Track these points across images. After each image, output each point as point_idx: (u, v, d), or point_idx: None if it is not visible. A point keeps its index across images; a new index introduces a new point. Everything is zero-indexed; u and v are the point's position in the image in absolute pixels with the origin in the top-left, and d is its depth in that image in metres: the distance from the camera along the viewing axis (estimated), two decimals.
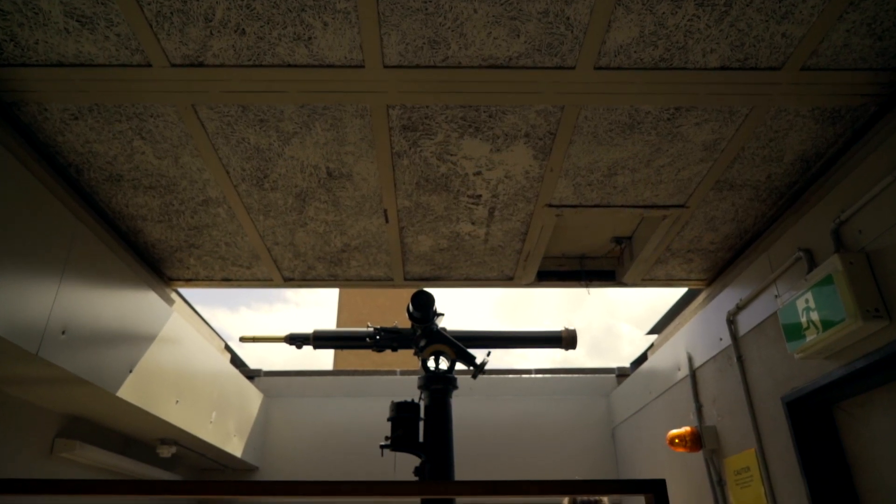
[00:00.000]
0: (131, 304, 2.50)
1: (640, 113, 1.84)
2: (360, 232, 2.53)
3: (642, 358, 4.67)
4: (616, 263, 3.00)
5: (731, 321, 2.72)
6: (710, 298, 2.97)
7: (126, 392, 2.43)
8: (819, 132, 1.95)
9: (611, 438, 4.55)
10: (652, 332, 4.71)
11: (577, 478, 3.78)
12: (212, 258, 2.76)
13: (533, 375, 4.90)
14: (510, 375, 4.87)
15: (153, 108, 1.79)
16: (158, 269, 2.87)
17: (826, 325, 1.90)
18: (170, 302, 2.91)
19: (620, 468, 4.36)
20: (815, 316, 1.97)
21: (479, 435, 4.36)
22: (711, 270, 2.95)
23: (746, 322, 2.60)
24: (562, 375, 4.89)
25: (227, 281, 2.97)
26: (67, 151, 1.98)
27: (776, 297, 2.34)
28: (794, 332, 2.10)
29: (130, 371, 2.49)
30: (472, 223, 2.48)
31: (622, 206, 2.34)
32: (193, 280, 2.95)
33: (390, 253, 2.70)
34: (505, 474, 4.25)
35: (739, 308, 2.65)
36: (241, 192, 2.23)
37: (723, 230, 2.57)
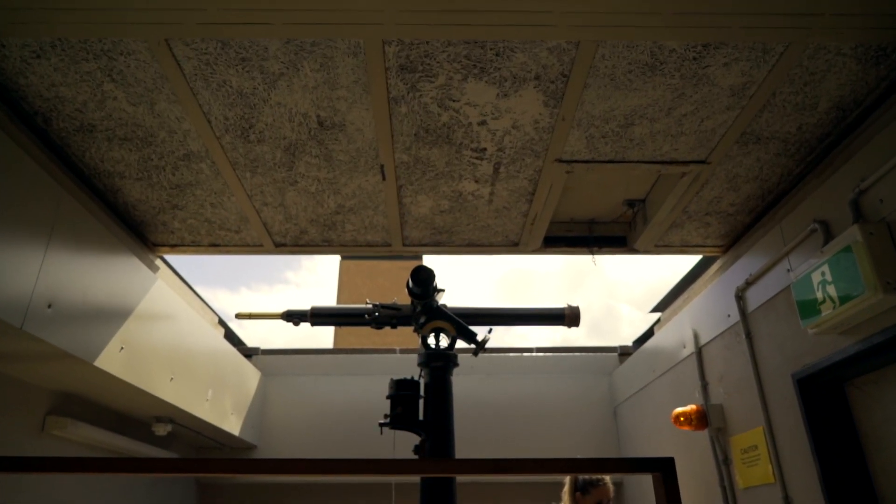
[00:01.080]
0: (118, 275, 2.39)
1: (663, 51, 1.66)
2: (355, 191, 2.36)
3: (645, 336, 4.59)
4: (627, 229, 2.84)
5: (740, 297, 2.63)
6: (723, 269, 2.85)
7: (117, 368, 2.35)
8: (860, 75, 1.77)
9: (612, 417, 4.49)
10: (655, 310, 4.62)
11: (578, 457, 3.72)
12: (197, 221, 2.59)
13: (534, 354, 4.84)
14: (511, 354, 4.81)
15: (123, 44, 1.61)
16: (141, 233, 2.71)
17: (843, 298, 1.82)
18: (154, 269, 2.79)
19: (622, 447, 4.31)
20: (831, 289, 1.89)
21: (478, 414, 4.29)
22: (729, 236, 2.79)
23: (756, 298, 2.52)
24: (563, 354, 4.83)
25: (215, 247, 2.79)
26: (32, 97, 1.81)
27: (788, 271, 2.27)
28: (809, 306, 2.02)
29: (122, 348, 2.39)
30: (476, 181, 2.30)
31: (638, 161, 2.17)
32: (179, 246, 2.79)
33: (388, 215, 2.53)
34: (505, 453, 4.20)
35: (749, 283, 2.56)
36: (225, 145, 2.06)
37: (745, 190, 2.39)
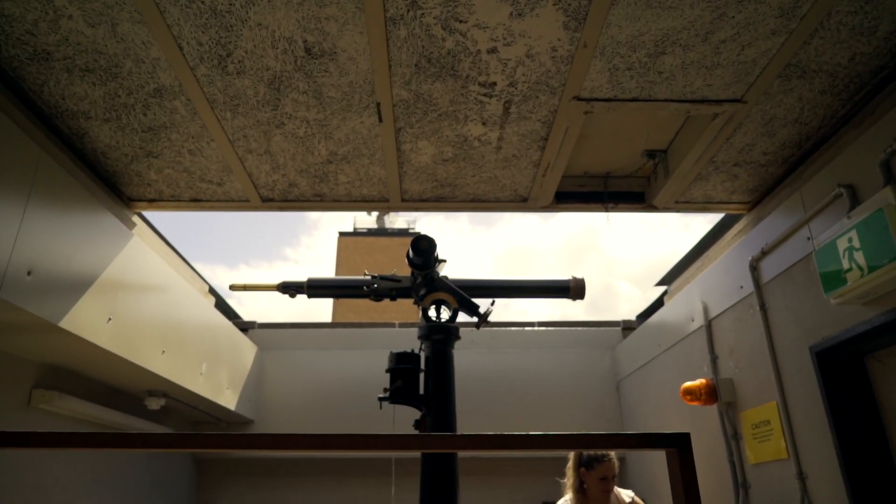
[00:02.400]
0: (103, 239, 2.23)
1: None
2: (348, 135, 2.14)
3: (650, 311, 4.52)
4: (645, 184, 2.64)
5: (755, 267, 2.53)
6: (744, 232, 2.66)
7: (105, 340, 2.26)
8: None
9: (615, 392, 4.44)
10: (661, 283, 4.53)
11: (585, 432, 3.66)
12: (175, 171, 2.37)
13: (536, 328, 4.78)
14: (512, 328, 4.75)
15: None
16: (115, 187, 2.49)
17: (872, 266, 1.73)
18: (130, 226, 2.58)
19: (625, 422, 4.28)
20: (858, 257, 1.80)
21: (479, 388, 4.24)
22: (756, 191, 2.59)
23: (772, 268, 2.42)
24: (565, 328, 4.77)
25: (197, 202, 2.58)
26: None
27: (808, 239, 2.15)
28: (833, 275, 1.93)
29: (110, 318, 2.30)
30: (483, 123, 2.08)
31: (666, 100, 1.96)
32: (158, 201, 2.57)
33: (385, 164, 2.31)
34: (505, 428, 4.13)
35: (765, 253, 2.46)
36: (201, 78, 1.83)
37: (781, 135, 2.19)
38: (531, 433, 1.02)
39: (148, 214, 2.83)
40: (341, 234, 25.59)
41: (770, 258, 2.44)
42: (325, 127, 2.09)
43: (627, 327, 4.69)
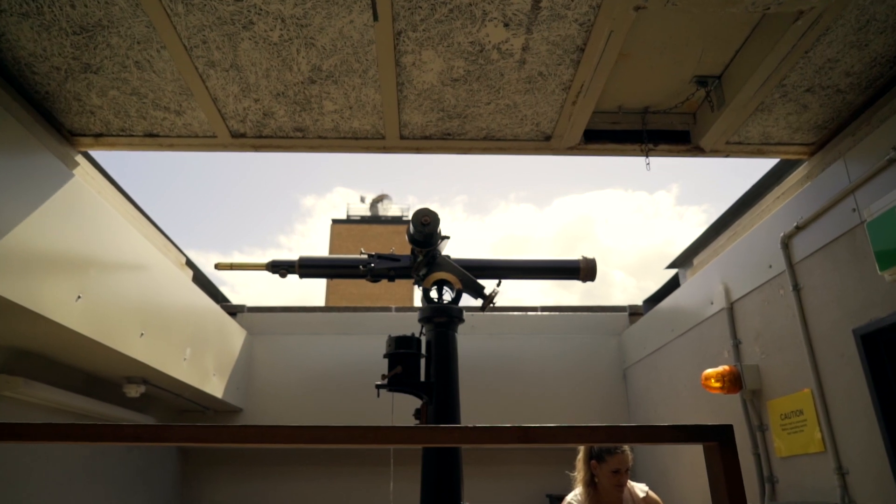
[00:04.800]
0: (44, 188, 1.92)
1: None
2: (335, 41, 1.75)
3: (659, 295, 4.34)
4: (691, 121, 2.29)
5: (786, 245, 2.33)
6: (811, 175, 2.35)
7: (75, 321, 2.04)
8: None
9: (622, 380, 4.27)
10: (672, 266, 4.35)
11: (586, 422, 3.51)
12: (122, 94, 1.96)
13: (539, 313, 4.59)
14: (515, 313, 4.57)
15: None
16: (52, 117, 2.09)
17: None
18: (72, 164, 2.22)
19: (632, 412, 4.12)
20: None
21: (478, 376, 4.05)
22: (825, 129, 2.25)
23: (807, 244, 2.23)
24: (569, 313, 4.59)
25: (154, 137, 2.18)
26: None
27: (853, 210, 1.95)
28: (890, 249, 1.72)
29: (79, 296, 2.06)
30: (506, 24, 1.70)
31: None
32: (105, 136, 2.17)
33: (381, 85, 1.91)
34: (506, 418, 3.98)
35: (799, 228, 2.25)
36: None
37: (874, 47, 1.82)
38: (553, 426, 0.96)
39: (107, 165, 2.55)
40: (334, 221, 25.36)
41: (805, 234, 2.24)
42: (306, 28, 1.70)
43: (634, 313, 4.54)
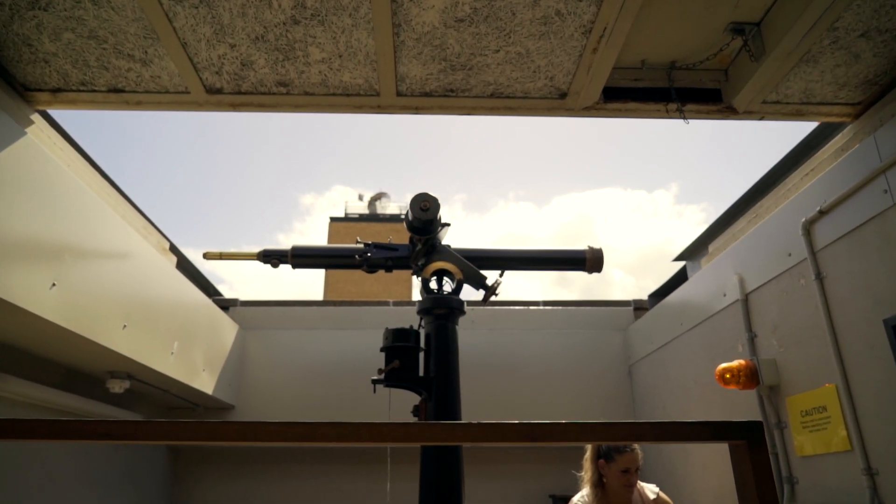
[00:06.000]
0: (22, 169, 1.78)
1: None
2: None
3: (665, 289, 4.21)
4: (722, 78, 2.06)
5: (808, 231, 2.19)
6: (850, 144, 2.14)
7: (49, 310, 1.90)
8: None
9: (627, 376, 4.14)
10: (679, 258, 4.22)
11: (591, 419, 3.38)
12: (77, 36, 1.73)
13: (541, 308, 4.46)
14: (516, 307, 4.43)
15: None
16: (4, 69, 1.88)
17: None
18: (26, 123, 1.99)
19: (637, 409, 4.00)
20: None
21: (479, 372, 3.92)
22: (875, 85, 2.01)
23: (832, 230, 2.10)
24: (573, 308, 4.45)
25: (119, 93, 1.93)
26: None
27: (885, 191, 1.82)
28: None
29: (53, 284, 1.92)
30: None
31: None
32: (64, 90, 1.93)
33: (374, 28, 1.69)
34: (507, 415, 3.83)
35: (822, 213, 2.11)
36: None
37: None
38: (563, 422, 0.92)
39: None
40: (332, 219, 25.23)
41: (829, 219, 2.10)
42: None
43: (639, 307, 4.41)
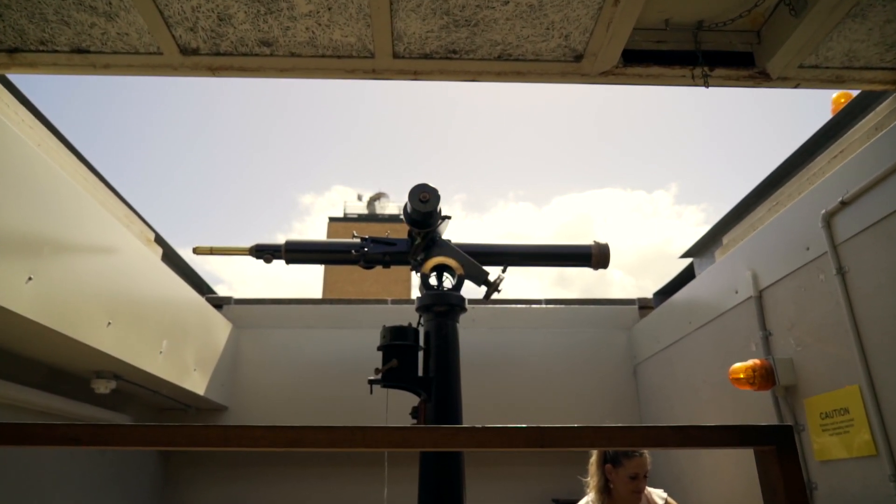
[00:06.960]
0: None
1: None
2: None
3: (672, 287, 4.10)
4: (754, 40, 1.87)
5: (828, 223, 2.08)
6: (884, 123, 2.00)
7: (25, 306, 1.79)
8: None
9: (632, 377, 4.02)
10: (687, 255, 4.10)
11: (593, 422, 3.27)
12: None
13: (543, 306, 4.34)
14: (518, 306, 4.32)
15: None
16: None
17: None
18: None
19: (643, 410, 3.88)
20: None
21: (480, 372, 3.80)
22: None
23: (855, 221, 1.99)
24: (576, 306, 4.34)
25: (84, 54, 1.74)
26: None
27: None
28: None
29: (30, 278, 1.80)
30: None
31: None
32: (21, 51, 1.74)
33: None
34: (508, 418, 3.73)
35: (844, 204, 2.00)
36: None
37: None
38: (573, 426, 0.90)
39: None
40: (331, 219, 25.12)
41: (852, 210, 1.99)
42: None
43: (644, 306, 4.30)
